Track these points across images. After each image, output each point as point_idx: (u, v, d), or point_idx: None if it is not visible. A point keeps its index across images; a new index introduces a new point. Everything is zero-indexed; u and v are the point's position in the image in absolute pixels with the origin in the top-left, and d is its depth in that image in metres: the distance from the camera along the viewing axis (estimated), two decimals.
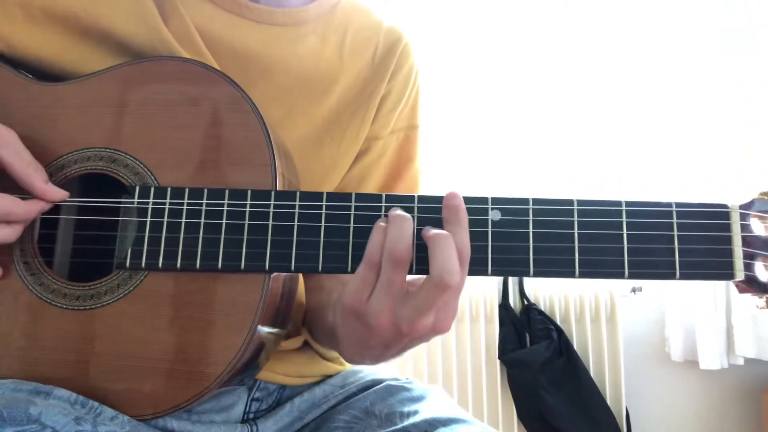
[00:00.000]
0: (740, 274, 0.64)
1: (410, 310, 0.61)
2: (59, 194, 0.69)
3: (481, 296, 2.36)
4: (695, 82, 2.57)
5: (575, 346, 2.36)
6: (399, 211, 0.64)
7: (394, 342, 0.64)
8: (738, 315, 2.34)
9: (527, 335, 2.34)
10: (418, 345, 0.66)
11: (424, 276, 0.62)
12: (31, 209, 0.67)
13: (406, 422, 0.79)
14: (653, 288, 2.56)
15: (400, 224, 0.62)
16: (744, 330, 2.32)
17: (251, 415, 0.83)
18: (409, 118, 0.98)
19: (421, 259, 0.63)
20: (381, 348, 0.66)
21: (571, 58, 2.68)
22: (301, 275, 0.97)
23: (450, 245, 0.61)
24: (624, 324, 2.45)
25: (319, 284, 0.90)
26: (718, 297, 2.40)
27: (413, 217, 0.65)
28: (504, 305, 2.38)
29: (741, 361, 2.40)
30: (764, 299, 0.65)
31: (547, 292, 2.43)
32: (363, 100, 0.91)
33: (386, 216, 0.65)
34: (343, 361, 0.94)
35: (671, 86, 2.60)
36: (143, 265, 0.67)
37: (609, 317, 2.43)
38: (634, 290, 2.53)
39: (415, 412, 0.81)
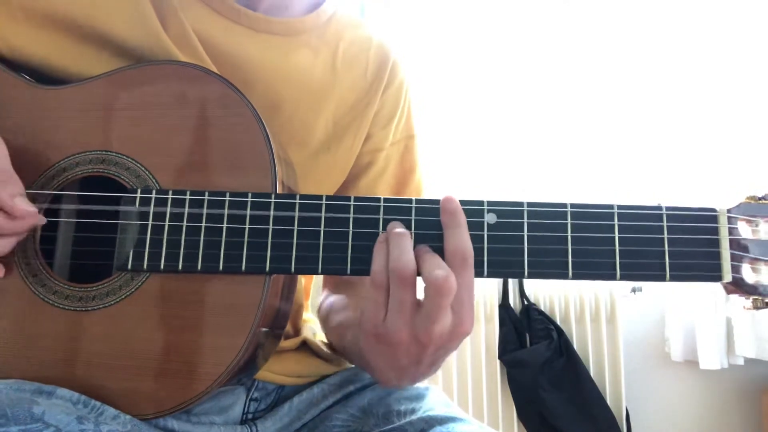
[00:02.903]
0: (728, 276, 0.65)
1: (423, 319, 0.61)
2: (26, 211, 0.66)
3: (481, 296, 2.36)
4: (695, 87, 2.58)
5: (575, 346, 2.37)
6: (396, 229, 0.64)
7: (422, 355, 0.63)
8: (738, 315, 2.34)
9: (527, 335, 2.34)
10: (449, 353, 0.66)
11: None
12: (20, 226, 0.66)
13: (403, 421, 0.80)
14: (653, 288, 2.56)
15: (399, 242, 0.63)
16: (744, 330, 2.32)
17: (250, 416, 0.84)
18: (405, 129, 1.00)
19: None
20: (413, 365, 0.65)
21: (567, 62, 2.70)
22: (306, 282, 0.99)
23: (432, 256, 0.63)
24: (624, 324, 2.46)
25: (345, 304, 0.90)
26: (718, 297, 2.40)
27: (411, 220, 0.66)
28: (504, 305, 2.39)
29: (741, 361, 2.40)
30: (750, 300, 0.66)
31: (547, 292, 2.43)
32: (357, 113, 0.93)
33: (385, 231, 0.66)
34: (342, 361, 0.95)
35: (669, 91, 2.61)
36: (145, 267, 0.68)
37: (609, 317, 2.44)
38: (634, 290, 2.54)
39: (412, 411, 0.82)
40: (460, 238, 0.64)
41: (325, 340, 0.96)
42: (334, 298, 0.95)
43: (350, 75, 0.93)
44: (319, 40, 0.91)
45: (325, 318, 0.94)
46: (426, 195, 1.00)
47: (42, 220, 0.69)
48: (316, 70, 0.89)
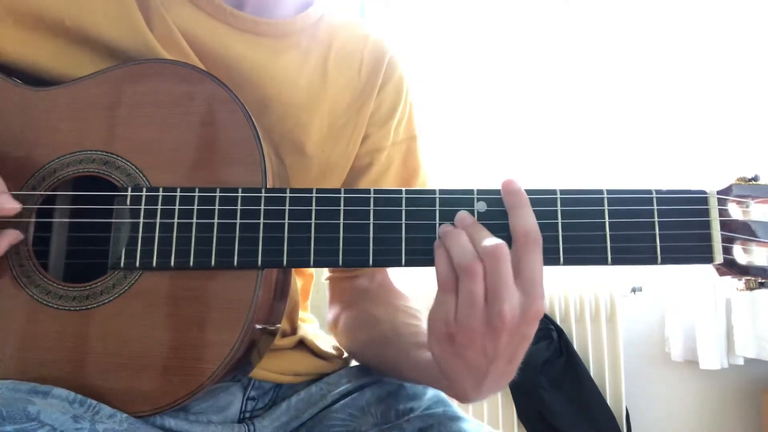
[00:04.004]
0: (719, 257, 0.66)
1: (490, 302, 0.61)
2: (8, 209, 0.67)
3: None
4: (684, 71, 2.60)
5: (575, 346, 2.36)
6: (447, 227, 0.65)
7: (497, 346, 0.62)
8: (738, 315, 2.34)
9: None
10: (525, 343, 0.65)
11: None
12: None
13: (402, 420, 0.80)
14: (653, 288, 2.56)
15: (456, 239, 0.64)
16: (744, 330, 2.32)
17: (247, 414, 0.84)
18: (407, 130, 0.99)
19: None
20: (491, 362, 0.64)
21: (560, 55, 2.71)
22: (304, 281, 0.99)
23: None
24: (624, 324, 2.45)
25: (373, 317, 0.91)
26: (718, 297, 2.40)
27: (402, 211, 0.67)
28: None
29: (741, 361, 2.40)
30: (743, 281, 0.66)
31: (546, 292, 2.41)
32: (353, 113, 0.92)
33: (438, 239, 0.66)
34: (339, 359, 0.95)
35: (659, 75, 2.62)
36: (137, 264, 0.68)
37: (609, 317, 2.43)
38: (634, 290, 2.53)
39: (411, 410, 0.82)
40: (528, 218, 0.64)
41: (334, 343, 0.97)
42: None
43: (343, 76, 0.92)
44: (310, 41, 0.90)
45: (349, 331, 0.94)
46: None
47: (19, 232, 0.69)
48: (305, 73, 0.89)
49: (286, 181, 0.78)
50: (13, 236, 0.68)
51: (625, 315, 2.49)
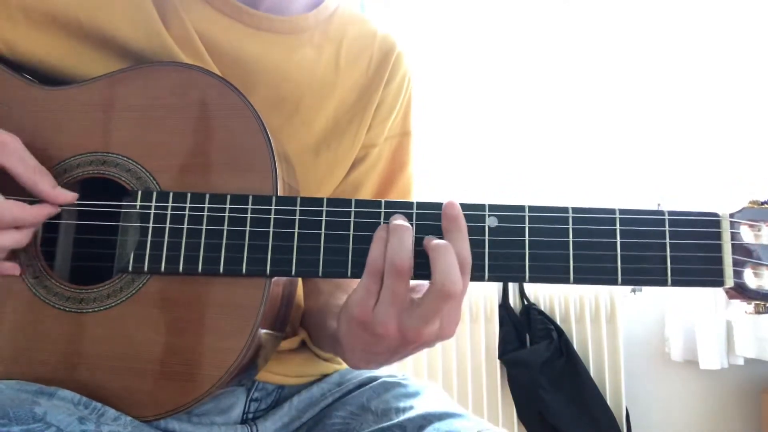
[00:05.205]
0: (730, 281, 0.65)
1: (416, 319, 0.61)
2: (68, 197, 0.69)
3: (481, 296, 2.36)
4: (697, 89, 2.59)
5: (575, 346, 2.37)
6: (399, 221, 0.64)
7: (401, 348, 0.65)
8: (738, 315, 2.34)
9: (527, 335, 2.35)
10: (424, 349, 0.67)
11: (427, 282, 0.63)
12: (39, 214, 0.67)
13: (402, 417, 0.80)
14: (653, 288, 2.55)
15: (401, 234, 0.63)
16: (744, 330, 2.33)
17: (250, 416, 0.84)
18: (401, 125, 0.99)
19: (421, 264, 0.63)
20: (387, 354, 0.66)
21: (568, 63, 2.70)
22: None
23: (451, 255, 0.62)
24: (624, 324, 2.46)
25: (317, 287, 0.91)
26: (718, 297, 2.40)
27: (412, 224, 0.66)
28: (504, 305, 2.39)
29: (741, 361, 2.41)
30: (752, 305, 0.66)
31: (547, 292, 2.43)
32: (359, 109, 0.92)
33: (387, 223, 0.66)
34: (340, 360, 0.95)
35: (671, 92, 2.62)
36: (146, 268, 0.68)
37: (609, 317, 2.44)
38: (634, 290, 2.54)
39: (410, 408, 0.82)
40: (460, 244, 0.64)
41: None
42: None
43: (353, 72, 0.92)
44: (323, 36, 0.91)
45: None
46: (414, 196, 1.00)
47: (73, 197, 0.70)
48: (318, 69, 0.89)
49: (295, 182, 0.78)
50: (51, 210, 0.69)
51: (625, 315, 2.49)
